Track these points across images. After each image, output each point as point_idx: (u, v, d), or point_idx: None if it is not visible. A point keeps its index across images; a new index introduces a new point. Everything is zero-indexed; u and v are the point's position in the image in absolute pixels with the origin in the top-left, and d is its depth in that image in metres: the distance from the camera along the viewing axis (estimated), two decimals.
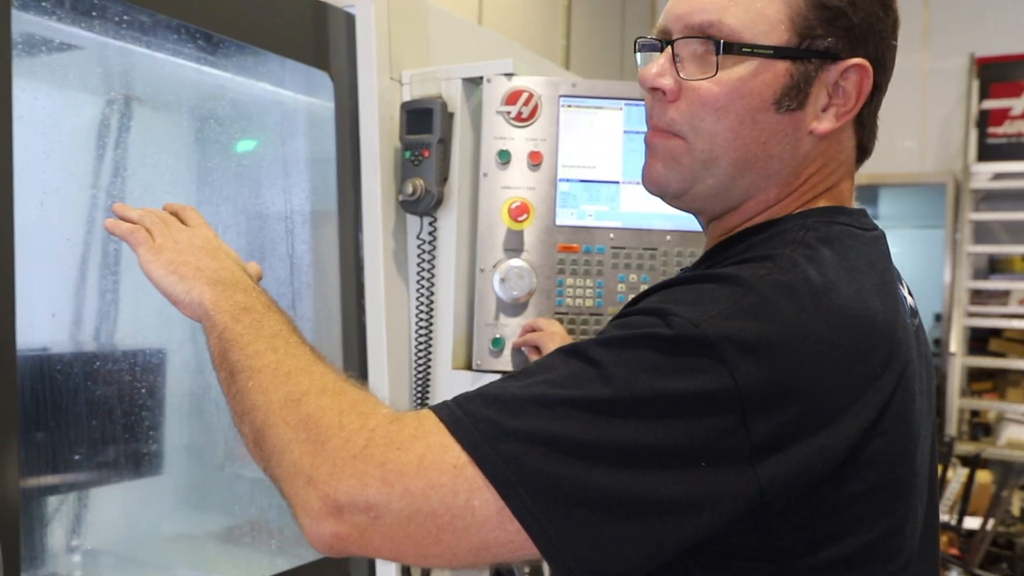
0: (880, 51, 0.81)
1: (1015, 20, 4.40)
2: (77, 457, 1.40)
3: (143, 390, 1.46)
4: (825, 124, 0.80)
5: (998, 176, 4.45)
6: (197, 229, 0.97)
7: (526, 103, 1.45)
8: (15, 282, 1.04)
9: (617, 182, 1.48)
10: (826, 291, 0.70)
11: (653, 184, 0.88)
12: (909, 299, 0.83)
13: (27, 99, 1.23)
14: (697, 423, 0.65)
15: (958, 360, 4.22)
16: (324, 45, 1.47)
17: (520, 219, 1.43)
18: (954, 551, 2.96)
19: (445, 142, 1.46)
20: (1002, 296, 4.37)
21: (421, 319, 1.50)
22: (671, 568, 0.69)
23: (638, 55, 0.89)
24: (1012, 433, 4.00)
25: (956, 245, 4.37)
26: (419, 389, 1.50)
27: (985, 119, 4.46)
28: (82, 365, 1.38)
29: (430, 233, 1.49)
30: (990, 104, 4.43)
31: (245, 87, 1.50)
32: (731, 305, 0.68)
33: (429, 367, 1.50)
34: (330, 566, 1.42)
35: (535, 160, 1.45)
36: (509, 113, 1.44)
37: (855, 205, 0.86)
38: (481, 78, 1.46)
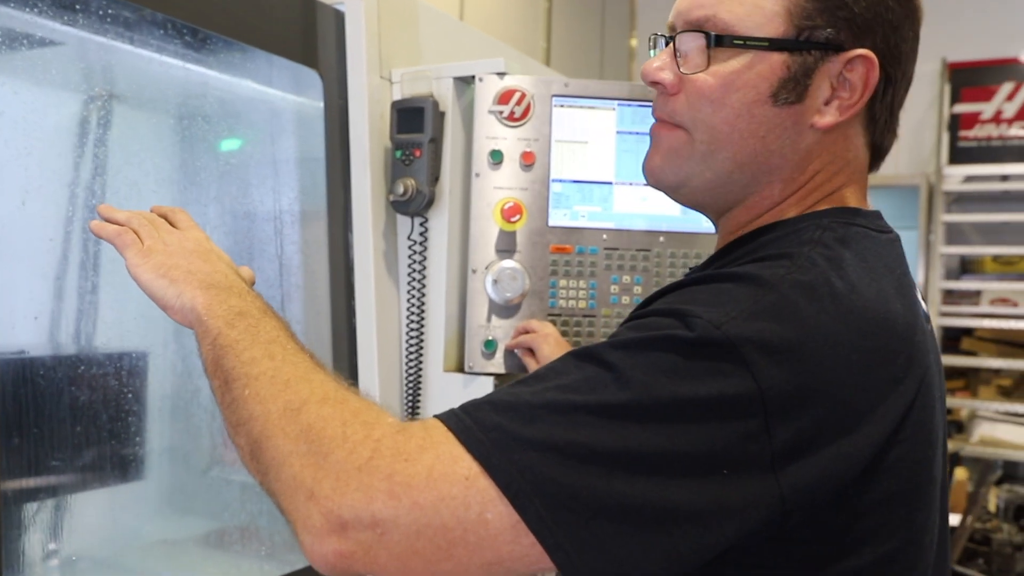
0: (892, 42, 0.79)
1: (985, 26, 4.47)
2: (57, 463, 1.37)
3: (128, 394, 1.42)
4: (828, 118, 0.79)
5: (969, 179, 4.51)
6: (188, 231, 0.93)
7: (518, 102, 1.43)
8: None
9: (610, 183, 1.47)
10: (847, 292, 0.69)
11: (650, 175, 0.87)
12: (922, 304, 0.83)
13: (6, 95, 1.20)
14: (719, 429, 0.63)
15: None
16: (313, 43, 1.44)
17: (513, 220, 1.42)
18: None
19: (436, 141, 1.45)
20: (973, 296, 4.43)
21: (412, 321, 1.48)
22: None
23: (652, 52, 0.89)
24: (984, 430, 4.05)
25: (929, 246, 4.42)
26: (410, 392, 1.48)
27: (956, 123, 4.51)
28: (64, 368, 1.34)
29: (421, 234, 1.47)
30: (961, 108, 4.49)
31: (233, 85, 1.47)
32: (751, 305, 0.67)
33: (420, 369, 1.48)
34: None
35: (527, 160, 1.44)
36: (501, 112, 1.43)
37: (870, 207, 0.85)
38: (473, 77, 1.44)
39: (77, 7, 1.24)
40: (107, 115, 1.36)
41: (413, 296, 1.48)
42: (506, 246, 1.43)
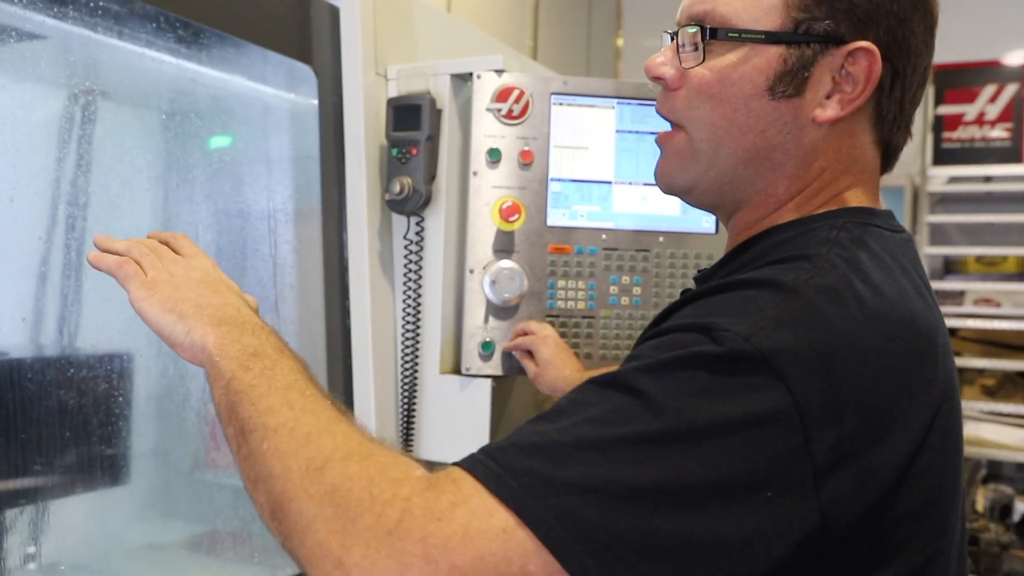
0: (898, 35, 0.76)
1: (967, 29, 4.50)
2: (39, 466, 1.33)
3: (113, 396, 1.39)
4: (829, 112, 0.77)
5: (953, 180, 4.54)
6: (193, 259, 0.88)
7: (517, 100, 1.41)
8: None
9: (609, 182, 1.45)
10: (870, 295, 0.67)
11: (661, 183, 0.86)
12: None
13: None
14: (760, 449, 0.60)
15: None
16: (307, 38, 1.41)
17: (511, 219, 1.39)
18: None
19: (433, 139, 1.42)
20: (957, 296, 4.45)
21: (408, 322, 1.45)
22: None
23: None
24: (969, 430, 4.08)
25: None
26: (406, 395, 1.46)
27: (940, 124, 4.54)
28: (47, 370, 1.31)
29: (417, 233, 1.45)
30: (945, 110, 4.52)
31: (226, 82, 1.44)
32: (778, 313, 0.64)
33: (416, 372, 1.45)
34: None
35: (526, 159, 1.41)
36: (500, 110, 1.41)
37: (882, 206, 0.83)
38: (470, 74, 1.42)
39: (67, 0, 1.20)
40: (99, 112, 1.33)
41: (409, 297, 1.45)
42: (504, 246, 1.41)
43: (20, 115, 1.20)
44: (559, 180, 1.43)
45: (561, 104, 1.43)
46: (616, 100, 1.45)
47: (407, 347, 1.45)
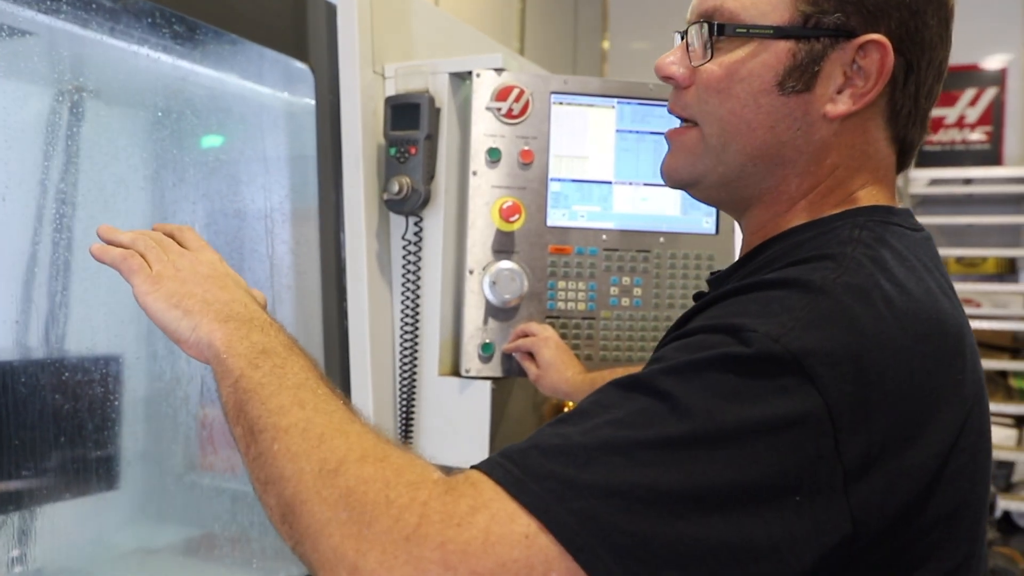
0: (910, 27, 0.75)
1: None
2: (28, 470, 1.30)
3: (102, 398, 1.36)
4: (841, 106, 0.76)
5: (934, 182, 4.58)
6: (199, 253, 0.85)
7: (517, 99, 1.40)
8: None
9: (609, 182, 1.44)
10: (898, 294, 0.66)
11: (666, 175, 0.86)
12: None
13: None
14: (790, 452, 0.58)
15: None
16: (304, 35, 1.39)
17: (512, 219, 1.38)
18: None
19: (432, 138, 1.40)
20: None
21: (406, 323, 1.44)
22: None
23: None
24: None
25: None
26: (404, 397, 1.44)
27: None
28: (36, 373, 1.28)
29: (416, 233, 1.43)
30: None
31: (221, 81, 1.41)
32: (807, 313, 0.63)
33: (415, 374, 1.43)
34: None
35: (526, 159, 1.40)
36: (499, 109, 1.39)
37: (899, 205, 0.82)
38: (470, 73, 1.40)
39: None
40: (89, 110, 1.30)
41: (407, 298, 1.43)
42: (504, 246, 1.40)
43: (10, 114, 1.17)
44: (559, 180, 1.42)
45: (561, 103, 1.42)
46: (616, 99, 1.44)
47: (405, 349, 1.43)
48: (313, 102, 1.42)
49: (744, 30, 0.76)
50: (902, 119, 0.79)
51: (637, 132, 1.44)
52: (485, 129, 1.39)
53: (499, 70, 1.39)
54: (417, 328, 1.44)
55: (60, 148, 1.28)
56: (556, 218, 1.42)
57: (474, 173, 1.39)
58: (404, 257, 1.43)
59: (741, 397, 0.59)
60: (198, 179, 1.40)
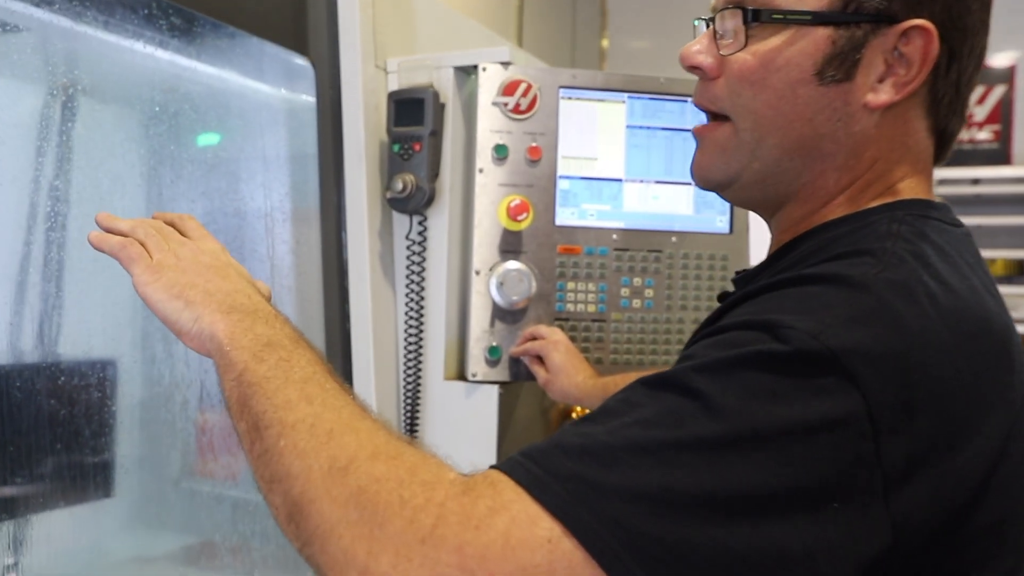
0: (954, 12, 0.71)
1: None
2: (20, 479, 1.26)
3: (108, 406, 1.32)
4: (882, 96, 0.71)
5: (941, 182, 4.54)
6: (201, 242, 0.81)
7: (524, 94, 1.35)
8: None
9: (620, 180, 1.39)
10: (943, 292, 0.62)
11: (698, 176, 0.80)
12: None
13: None
14: (828, 456, 0.55)
15: None
16: (304, 29, 1.35)
17: (519, 218, 1.33)
18: None
19: (437, 135, 1.36)
20: None
21: (410, 326, 1.39)
22: None
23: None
24: None
25: None
26: (409, 402, 1.39)
27: None
28: (29, 378, 1.24)
29: (420, 233, 1.39)
30: None
31: (220, 77, 1.37)
32: (848, 310, 0.59)
33: (419, 378, 1.39)
34: None
35: (534, 156, 1.36)
36: (506, 105, 1.35)
37: (936, 199, 0.78)
38: (475, 67, 1.36)
39: None
40: (83, 108, 1.26)
41: (412, 300, 1.39)
42: (511, 246, 1.35)
43: (8, 107, 1.13)
44: (568, 178, 1.38)
45: (570, 98, 1.38)
46: (627, 94, 1.39)
47: (410, 352, 1.39)
48: (313, 98, 1.38)
49: (780, 16, 0.71)
50: (943, 109, 0.75)
51: (648, 128, 1.40)
52: (491, 125, 1.35)
53: (506, 64, 1.35)
54: (422, 331, 1.39)
55: (52, 146, 1.24)
56: (565, 217, 1.37)
57: (480, 170, 1.34)
58: (408, 257, 1.39)
59: (777, 397, 0.56)
60: (196, 177, 1.36)
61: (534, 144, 1.35)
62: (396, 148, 1.36)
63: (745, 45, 0.73)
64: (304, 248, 1.39)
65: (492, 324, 1.35)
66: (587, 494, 0.54)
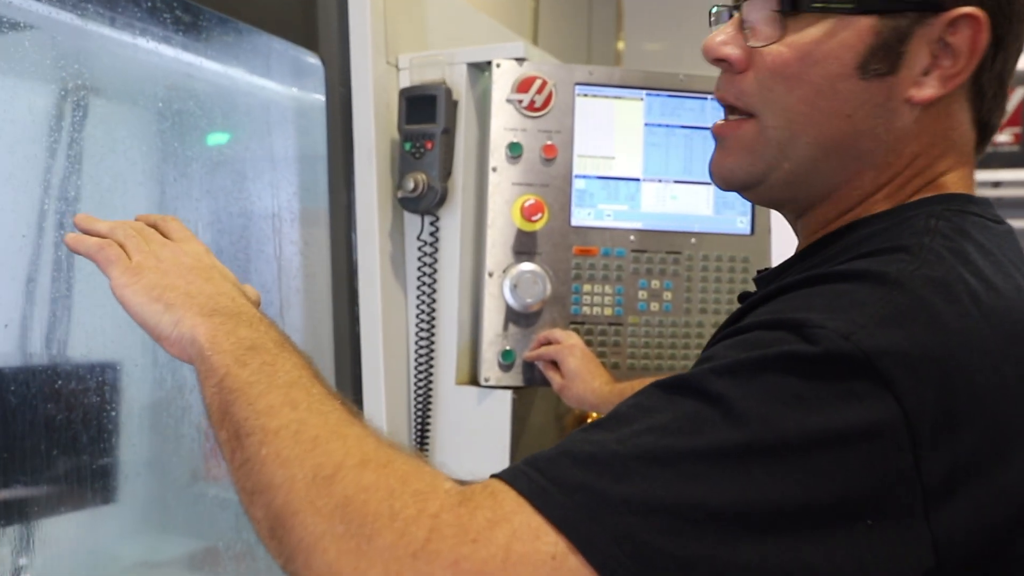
0: None
1: None
2: (22, 483, 1.23)
3: (102, 407, 1.29)
4: (927, 90, 0.66)
5: None
6: (184, 244, 0.78)
7: (539, 91, 1.31)
8: None
9: (638, 179, 1.35)
10: (985, 291, 0.58)
11: (719, 177, 0.75)
12: None
13: None
14: (861, 468, 0.50)
15: None
16: (314, 24, 1.32)
17: (533, 219, 1.30)
18: None
19: (449, 133, 1.32)
20: None
21: (421, 329, 1.36)
22: None
23: (713, 28, 0.76)
24: None
25: None
26: (419, 407, 1.36)
27: None
28: (34, 381, 1.21)
29: (432, 234, 1.35)
30: None
31: (226, 74, 1.34)
32: (882, 308, 0.54)
33: (431, 382, 1.35)
34: None
35: (549, 154, 1.32)
36: (521, 102, 1.31)
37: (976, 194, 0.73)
38: (489, 63, 1.32)
39: None
40: (89, 104, 1.23)
41: (423, 302, 1.35)
42: (525, 247, 1.31)
43: (7, 106, 1.10)
44: (584, 177, 1.34)
45: (586, 95, 1.34)
46: (645, 91, 1.35)
47: (421, 356, 1.36)
48: (323, 97, 1.35)
49: (820, 5, 0.66)
50: (987, 101, 0.70)
51: (667, 126, 1.35)
52: (505, 122, 1.31)
53: (520, 60, 1.31)
54: (433, 334, 1.36)
55: (51, 145, 1.21)
56: (581, 217, 1.33)
57: (494, 169, 1.31)
58: (419, 259, 1.35)
59: (804, 403, 0.51)
60: (201, 176, 1.33)
61: (549, 142, 1.32)
62: (407, 146, 1.32)
63: (782, 36, 0.67)
64: (313, 249, 1.36)
65: (505, 328, 1.32)
66: (596, 506, 0.50)
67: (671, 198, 1.36)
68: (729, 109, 0.73)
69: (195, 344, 0.67)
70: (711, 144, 0.75)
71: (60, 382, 1.23)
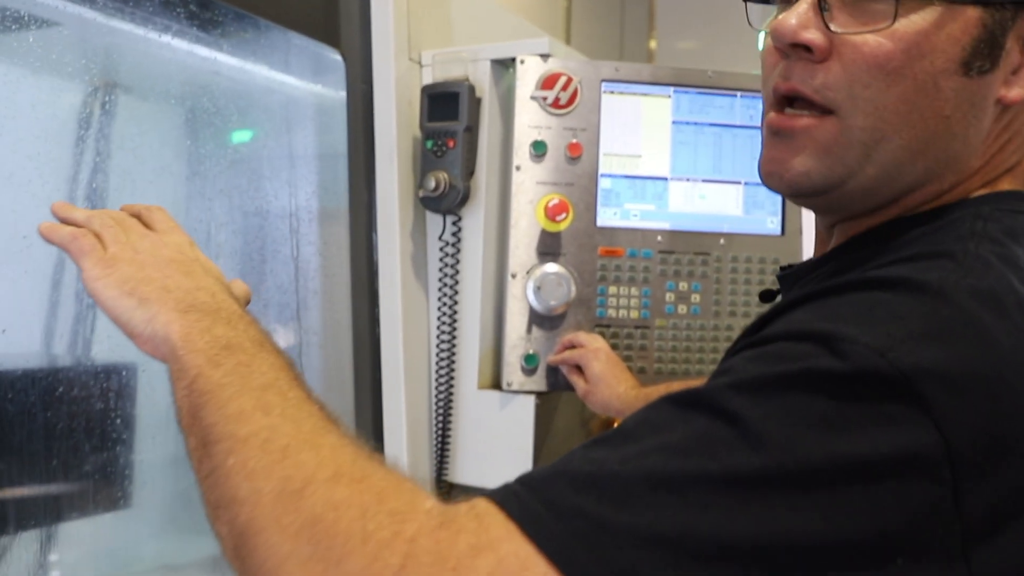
0: None
1: None
2: (39, 488, 1.22)
3: (128, 410, 1.27)
4: (1016, 90, 0.61)
5: None
6: (166, 235, 0.73)
7: (564, 87, 1.28)
8: None
9: (665, 178, 1.31)
10: None
11: (782, 178, 0.65)
12: None
13: None
14: (894, 502, 0.45)
15: None
16: (335, 20, 1.30)
17: (558, 219, 1.26)
18: None
19: (472, 130, 1.29)
20: None
21: (443, 332, 1.33)
22: None
23: (748, 7, 0.71)
24: None
25: None
26: (440, 412, 1.33)
27: None
28: (45, 382, 1.20)
29: (454, 234, 1.32)
30: None
31: (245, 70, 1.32)
32: (923, 322, 0.49)
33: (452, 386, 1.32)
34: None
35: (574, 152, 1.28)
36: (545, 99, 1.28)
37: None
38: (513, 59, 1.29)
39: None
40: (107, 102, 1.22)
41: (444, 304, 1.32)
42: (550, 248, 1.28)
43: (27, 106, 1.09)
44: (610, 176, 1.30)
45: (612, 92, 1.30)
46: (673, 88, 1.31)
47: (442, 360, 1.33)
48: (344, 93, 1.32)
49: None
50: None
51: (695, 124, 1.31)
52: (529, 120, 1.28)
53: (545, 56, 1.28)
54: (455, 337, 1.33)
55: (78, 141, 1.20)
56: (607, 217, 1.30)
57: (517, 168, 1.27)
58: (441, 259, 1.32)
59: (832, 426, 0.46)
60: (222, 175, 1.31)
61: (574, 140, 1.28)
62: (429, 144, 1.29)
63: (893, 23, 0.59)
64: (332, 249, 1.33)
65: (529, 330, 1.28)
66: (592, 535, 0.45)
67: (699, 197, 1.32)
68: (791, 102, 0.64)
69: (168, 342, 0.63)
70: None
71: (78, 385, 1.22)
